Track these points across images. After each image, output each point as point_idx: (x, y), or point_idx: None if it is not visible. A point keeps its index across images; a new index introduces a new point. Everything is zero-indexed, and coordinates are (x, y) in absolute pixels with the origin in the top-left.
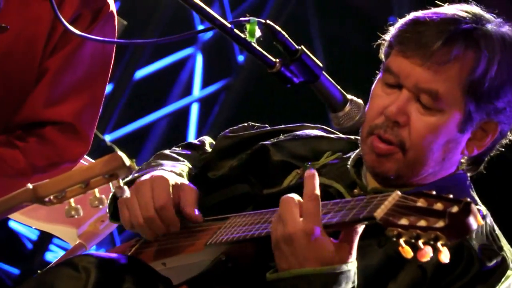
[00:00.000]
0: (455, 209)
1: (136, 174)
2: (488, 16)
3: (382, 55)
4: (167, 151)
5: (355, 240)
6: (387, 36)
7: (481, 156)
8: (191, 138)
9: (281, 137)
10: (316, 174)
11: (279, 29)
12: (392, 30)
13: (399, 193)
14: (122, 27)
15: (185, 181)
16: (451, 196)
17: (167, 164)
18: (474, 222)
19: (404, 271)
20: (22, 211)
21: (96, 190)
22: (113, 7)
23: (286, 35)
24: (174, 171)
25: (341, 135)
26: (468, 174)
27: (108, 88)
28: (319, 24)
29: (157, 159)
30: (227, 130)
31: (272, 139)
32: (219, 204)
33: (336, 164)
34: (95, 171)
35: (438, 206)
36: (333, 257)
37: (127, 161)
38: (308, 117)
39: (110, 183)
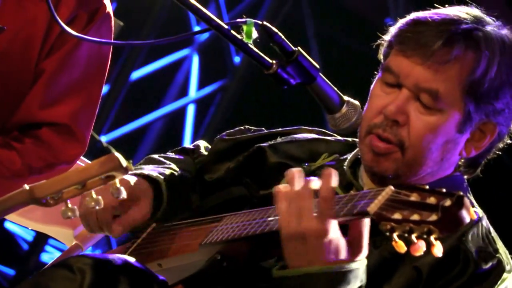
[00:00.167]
0: (447, 202)
1: None
2: (487, 18)
3: (381, 56)
4: (155, 156)
5: (364, 236)
6: (387, 37)
7: (479, 158)
8: (187, 139)
9: (278, 139)
10: (334, 173)
11: (275, 30)
12: (392, 30)
13: (392, 188)
14: (118, 28)
15: (147, 193)
16: (444, 190)
17: (147, 168)
18: (466, 215)
19: (399, 272)
20: (18, 212)
21: (93, 191)
22: (109, 8)
23: (283, 37)
24: (151, 174)
25: (338, 137)
26: (465, 177)
27: (104, 89)
28: (314, 25)
29: (145, 163)
30: (223, 133)
31: (269, 142)
32: (216, 206)
33: (333, 165)
34: (92, 172)
35: (431, 200)
36: (343, 256)
37: (124, 162)
38: (304, 118)
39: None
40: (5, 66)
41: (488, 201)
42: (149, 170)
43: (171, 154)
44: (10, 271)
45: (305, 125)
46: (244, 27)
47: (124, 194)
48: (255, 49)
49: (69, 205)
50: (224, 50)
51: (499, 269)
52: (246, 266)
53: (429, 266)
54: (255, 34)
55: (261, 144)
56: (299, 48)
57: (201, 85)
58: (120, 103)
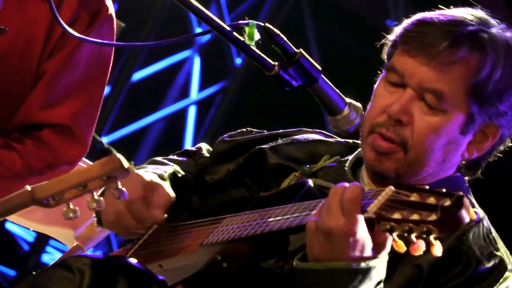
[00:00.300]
0: (447, 202)
1: None
2: (492, 21)
3: (384, 55)
4: (159, 158)
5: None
6: (391, 36)
7: (480, 160)
8: (188, 140)
9: (279, 141)
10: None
11: (277, 32)
12: (397, 30)
13: (392, 188)
14: (120, 29)
15: (163, 183)
16: (443, 190)
17: (150, 167)
18: (466, 215)
19: (399, 271)
20: (19, 212)
21: (94, 192)
22: (111, 10)
23: (285, 38)
24: (156, 172)
25: (339, 139)
26: (466, 178)
27: (105, 90)
28: (315, 27)
29: (147, 164)
30: (225, 135)
31: (270, 143)
32: (217, 208)
33: (334, 166)
34: (93, 173)
35: (431, 200)
36: (369, 252)
37: (126, 163)
38: (305, 120)
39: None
40: (6, 67)
41: (489, 202)
42: (153, 169)
43: (173, 157)
44: (11, 272)
45: (306, 126)
46: (246, 29)
47: (125, 195)
48: (257, 50)
49: (71, 206)
50: (225, 51)
51: (500, 268)
52: (246, 267)
53: (430, 264)
54: (257, 36)
55: (262, 146)
56: (301, 49)
57: (202, 86)
58: (121, 105)
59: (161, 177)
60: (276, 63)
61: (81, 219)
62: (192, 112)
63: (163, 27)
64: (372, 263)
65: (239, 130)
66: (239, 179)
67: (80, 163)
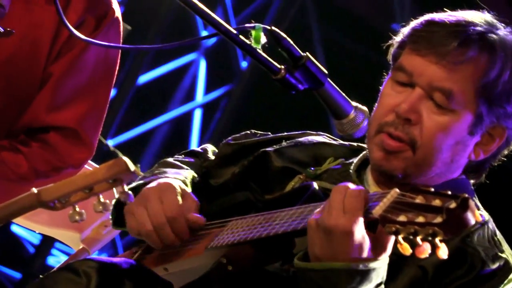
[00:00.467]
0: (452, 204)
1: (140, 181)
2: (499, 24)
3: (389, 57)
4: (170, 159)
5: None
6: (398, 37)
7: (485, 163)
8: (194, 143)
9: (283, 143)
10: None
11: (284, 35)
12: (405, 30)
13: (397, 190)
14: (126, 32)
15: (187, 189)
16: (449, 192)
17: (170, 171)
18: (471, 218)
19: (403, 272)
20: (25, 215)
21: (100, 195)
22: (118, 13)
23: (291, 42)
24: (178, 178)
25: (343, 142)
26: (471, 181)
27: (111, 93)
28: (320, 30)
29: (161, 167)
30: (229, 138)
31: (274, 146)
32: (221, 211)
33: (338, 169)
34: (99, 176)
35: (436, 202)
36: (368, 254)
37: (132, 166)
38: (311, 123)
39: (114, 189)
40: (12, 69)
41: (494, 205)
42: (174, 174)
43: (181, 157)
44: (17, 274)
45: (311, 130)
46: (253, 32)
47: (132, 198)
48: (263, 54)
49: (77, 209)
50: (231, 55)
51: (505, 269)
52: (251, 270)
53: (434, 265)
54: (263, 39)
55: (266, 149)
56: (307, 53)
57: (208, 89)
58: (126, 107)
59: (184, 183)
60: (282, 67)
61: (87, 221)
62: (197, 115)
63: (169, 30)
64: (371, 264)
65: (243, 133)
66: (243, 182)
67: (86, 166)
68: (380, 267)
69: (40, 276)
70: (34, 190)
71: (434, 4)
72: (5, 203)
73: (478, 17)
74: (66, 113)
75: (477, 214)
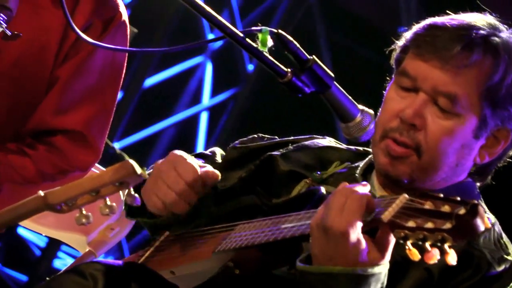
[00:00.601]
0: (462, 211)
1: (150, 170)
2: (501, 26)
3: (392, 62)
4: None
5: (391, 241)
6: (400, 42)
7: (490, 165)
8: (200, 146)
9: (290, 147)
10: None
11: (290, 38)
12: (407, 35)
13: (406, 196)
14: (132, 35)
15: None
16: (458, 198)
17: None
18: (481, 224)
19: (408, 275)
20: (31, 217)
21: (107, 198)
22: (125, 16)
23: (298, 45)
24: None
25: (349, 146)
26: (477, 184)
27: (118, 96)
28: (327, 34)
29: None
30: (236, 142)
31: (280, 150)
32: (228, 215)
33: (344, 173)
34: (106, 179)
35: (446, 208)
36: (365, 258)
37: (138, 169)
38: (317, 127)
39: (120, 192)
40: (19, 72)
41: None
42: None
43: None
44: (23, 277)
45: (318, 133)
46: (259, 35)
47: (138, 201)
48: (270, 57)
49: (83, 212)
50: (237, 57)
51: (511, 271)
52: (258, 274)
53: (440, 267)
54: (270, 42)
55: (272, 153)
56: (313, 56)
57: (214, 92)
58: (133, 110)
59: None
60: (289, 70)
61: (93, 224)
62: (204, 118)
63: (176, 33)
64: (370, 270)
65: (250, 137)
66: (250, 186)
67: (92, 169)
68: (380, 272)
69: (47, 278)
70: (41, 193)
71: (440, 7)
72: (11, 205)
73: (481, 20)
74: (73, 116)
75: (486, 220)
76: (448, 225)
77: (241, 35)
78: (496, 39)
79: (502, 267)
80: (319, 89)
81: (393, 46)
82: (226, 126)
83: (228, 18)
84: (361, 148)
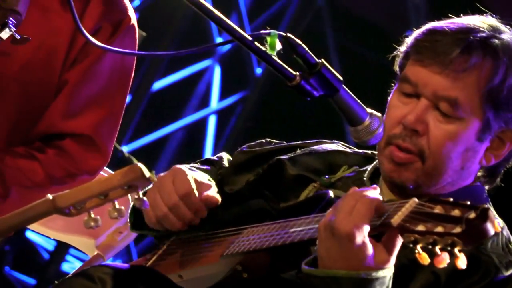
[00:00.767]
0: (472, 215)
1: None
2: (503, 27)
3: (396, 67)
4: (185, 166)
5: (397, 245)
6: (402, 48)
7: (498, 167)
8: (208, 149)
9: (298, 151)
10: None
11: (299, 42)
12: (408, 40)
13: (416, 200)
14: (141, 39)
15: (205, 177)
16: (468, 202)
17: (184, 166)
18: (491, 228)
19: (415, 278)
20: (40, 221)
21: (116, 201)
22: (134, 20)
23: (306, 48)
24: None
25: (357, 150)
26: (486, 187)
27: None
28: (335, 37)
29: None
30: (244, 146)
31: (288, 154)
32: (236, 219)
33: (352, 177)
34: (114, 183)
35: (455, 212)
36: (370, 262)
37: (147, 173)
38: (325, 130)
39: (129, 195)
40: (29, 76)
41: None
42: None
43: (197, 165)
44: (31, 281)
45: (326, 137)
46: (268, 39)
47: (147, 204)
48: (278, 61)
49: (92, 215)
50: (246, 61)
51: None
52: (266, 278)
53: (448, 271)
54: (279, 46)
55: (281, 157)
56: (322, 60)
57: (223, 96)
58: (141, 114)
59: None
60: (298, 73)
61: (102, 228)
62: (212, 121)
63: (184, 36)
64: (374, 274)
65: (258, 141)
66: (258, 190)
67: (101, 172)
68: (385, 276)
69: (55, 282)
70: (50, 196)
71: (449, 11)
72: (20, 209)
73: (481, 22)
74: (82, 120)
75: (497, 224)
76: (458, 229)
77: (250, 38)
78: (496, 41)
79: (510, 272)
80: (328, 92)
81: (395, 52)
82: (235, 130)
83: (236, 22)
84: (369, 152)
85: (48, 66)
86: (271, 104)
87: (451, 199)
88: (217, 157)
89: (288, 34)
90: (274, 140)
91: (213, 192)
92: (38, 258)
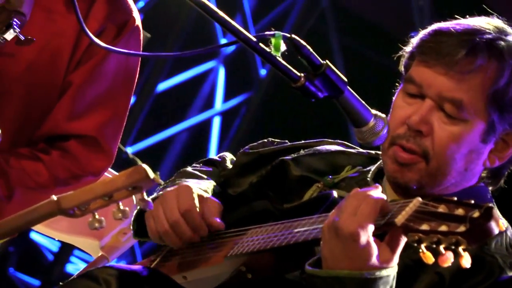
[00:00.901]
0: (476, 214)
1: (160, 192)
2: (509, 29)
3: (401, 67)
4: (189, 169)
5: (400, 244)
6: (408, 48)
7: (502, 169)
8: (213, 151)
9: (301, 152)
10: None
11: (304, 43)
12: (413, 41)
13: (420, 199)
14: (145, 40)
15: (209, 195)
16: (472, 201)
17: (191, 181)
18: (495, 227)
19: (419, 278)
20: (44, 222)
21: (120, 202)
22: (138, 21)
23: (311, 49)
24: (200, 187)
25: (361, 150)
26: (490, 188)
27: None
28: (339, 39)
29: (180, 177)
30: (246, 147)
31: (292, 155)
32: (240, 220)
33: (356, 177)
34: (119, 184)
35: (459, 211)
36: (374, 262)
37: (151, 174)
38: (330, 131)
39: (133, 196)
40: (33, 77)
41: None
42: (195, 183)
43: (199, 166)
44: (35, 282)
45: (330, 138)
46: (273, 40)
47: (151, 206)
48: (283, 62)
49: (96, 216)
50: (250, 62)
51: None
52: (271, 278)
53: (452, 272)
54: (283, 47)
55: (284, 157)
56: (327, 61)
57: (227, 97)
58: (145, 115)
59: (205, 192)
60: (302, 75)
61: (106, 229)
62: (216, 122)
63: (188, 37)
64: (378, 273)
65: (260, 141)
66: (261, 191)
67: (105, 174)
68: (389, 275)
69: (59, 283)
70: (54, 197)
71: (453, 12)
72: (24, 210)
73: (487, 24)
74: (86, 122)
75: (501, 223)
76: (462, 228)
77: (254, 39)
78: (502, 43)
79: None
80: (332, 93)
81: (401, 52)
82: (239, 131)
83: (241, 23)
84: (373, 152)
85: (52, 67)
86: (276, 105)
87: (455, 198)
88: (219, 157)
89: (293, 35)
90: (277, 140)
91: (217, 211)
92: (43, 259)
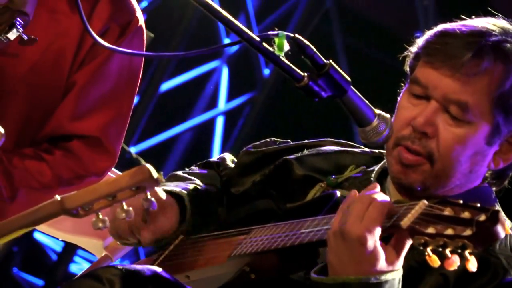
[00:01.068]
0: (482, 217)
1: None
2: None
3: (407, 68)
4: (179, 172)
5: (406, 247)
6: (413, 48)
7: (506, 171)
8: (216, 150)
9: (305, 151)
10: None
11: (307, 43)
12: (419, 42)
13: (425, 202)
14: (149, 40)
15: (174, 206)
16: (478, 204)
17: (170, 184)
18: (501, 231)
19: (424, 280)
20: (48, 222)
21: (124, 202)
22: (141, 21)
23: (315, 49)
24: (173, 190)
25: (365, 149)
26: (494, 189)
27: (134, 100)
28: (343, 39)
29: (168, 181)
30: (249, 146)
31: (295, 154)
32: (243, 219)
33: (359, 177)
34: (122, 184)
35: (466, 214)
36: (381, 266)
37: (155, 173)
38: (333, 131)
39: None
40: (37, 77)
41: None
42: (172, 186)
43: (195, 169)
44: (39, 282)
45: (334, 137)
46: (276, 40)
47: (155, 205)
48: (286, 61)
49: (100, 216)
50: (254, 62)
51: None
52: (274, 279)
53: (456, 273)
54: (286, 47)
55: (288, 157)
56: (330, 61)
57: (230, 97)
58: (149, 115)
59: (179, 194)
60: (306, 74)
61: None
62: (220, 122)
63: (192, 37)
64: (383, 277)
65: (263, 141)
66: (264, 191)
67: (109, 173)
68: (394, 278)
69: (63, 283)
70: (58, 197)
71: (458, 12)
72: (28, 210)
73: (493, 25)
74: (90, 122)
75: (507, 227)
76: (468, 232)
77: (258, 39)
78: (508, 45)
79: None
80: (336, 93)
81: (406, 53)
82: (242, 131)
83: (244, 23)
84: (377, 151)
85: (56, 67)
86: (279, 105)
87: (461, 201)
88: (218, 158)
89: (296, 35)
90: (279, 139)
91: (156, 228)
92: (46, 259)
